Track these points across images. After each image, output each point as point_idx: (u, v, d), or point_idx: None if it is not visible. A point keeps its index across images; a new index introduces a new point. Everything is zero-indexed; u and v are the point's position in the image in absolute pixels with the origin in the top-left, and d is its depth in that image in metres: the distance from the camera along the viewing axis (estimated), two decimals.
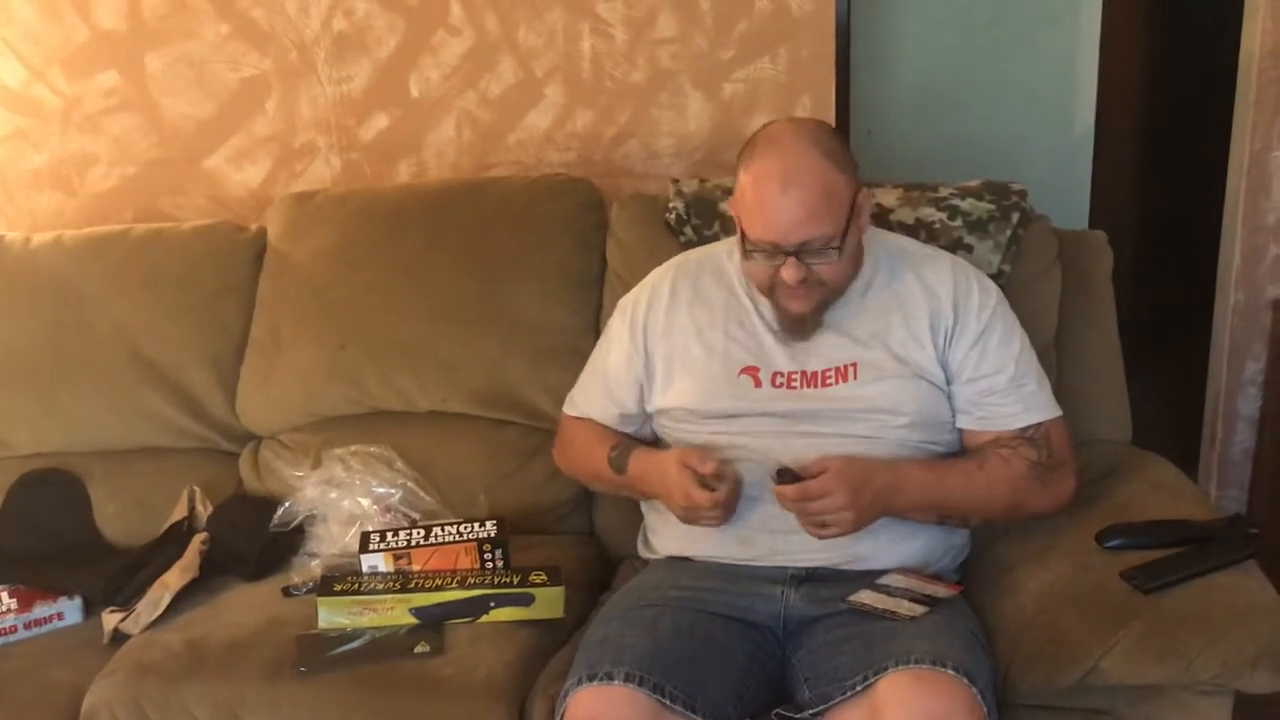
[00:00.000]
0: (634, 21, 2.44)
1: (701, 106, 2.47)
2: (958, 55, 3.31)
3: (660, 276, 1.87)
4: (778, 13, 2.40)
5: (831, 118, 2.47)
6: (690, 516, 1.66)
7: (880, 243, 1.80)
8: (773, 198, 1.60)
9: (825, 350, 1.72)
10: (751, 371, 1.73)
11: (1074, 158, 3.32)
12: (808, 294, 1.66)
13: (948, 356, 1.71)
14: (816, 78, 2.44)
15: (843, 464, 1.58)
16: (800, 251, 1.61)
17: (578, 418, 1.91)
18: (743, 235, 1.66)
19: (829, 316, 1.72)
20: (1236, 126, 2.50)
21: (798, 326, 1.71)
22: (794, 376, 1.72)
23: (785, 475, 1.59)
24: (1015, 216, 1.99)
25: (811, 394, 1.70)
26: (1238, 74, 2.48)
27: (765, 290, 1.70)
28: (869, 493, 1.58)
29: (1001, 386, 1.70)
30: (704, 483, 1.63)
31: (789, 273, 1.62)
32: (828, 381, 1.70)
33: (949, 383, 1.71)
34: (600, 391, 1.87)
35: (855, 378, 1.69)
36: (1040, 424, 1.70)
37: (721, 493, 1.62)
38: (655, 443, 1.85)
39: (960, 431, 1.74)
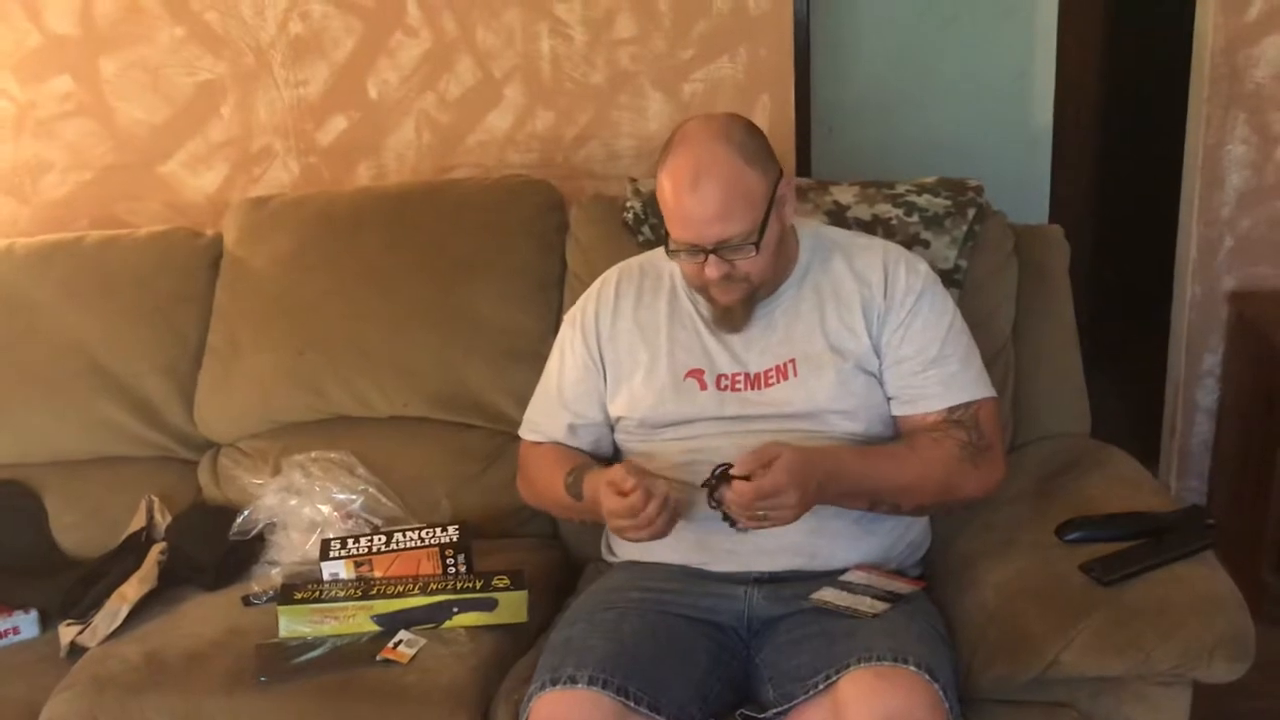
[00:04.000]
0: (592, 22, 2.43)
1: (662, 107, 2.47)
2: (916, 53, 3.33)
3: (604, 282, 1.86)
4: (736, 12, 2.40)
5: (791, 116, 2.48)
6: (620, 530, 1.62)
7: (814, 235, 1.80)
8: (685, 197, 1.60)
9: (764, 348, 1.72)
10: (697, 374, 1.73)
11: (1033, 154, 3.34)
12: (734, 288, 1.67)
13: (879, 342, 1.71)
14: (776, 77, 2.45)
15: (790, 458, 1.53)
16: (719, 249, 1.61)
17: (536, 444, 1.88)
18: (667, 234, 1.66)
19: (765, 311, 1.72)
20: (1190, 121, 2.52)
21: (728, 318, 1.71)
22: (738, 379, 1.72)
23: (722, 477, 1.54)
24: (971, 212, 2.00)
25: (755, 396, 1.70)
26: (1190, 70, 2.51)
27: (696, 287, 1.71)
28: (814, 483, 1.55)
29: (922, 367, 1.69)
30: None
31: (710, 270, 1.63)
32: (770, 382, 1.70)
33: (880, 368, 1.72)
34: (555, 403, 1.85)
35: (795, 374, 1.69)
36: (967, 404, 1.69)
37: (636, 500, 1.56)
38: (614, 458, 1.83)
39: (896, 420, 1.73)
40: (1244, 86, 2.40)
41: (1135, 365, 3.01)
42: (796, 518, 1.55)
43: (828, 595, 1.59)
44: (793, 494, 1.52)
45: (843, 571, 1.65)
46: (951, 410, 1.68)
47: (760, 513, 1.53)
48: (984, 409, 1.70)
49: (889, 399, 1.72)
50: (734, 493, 1.53)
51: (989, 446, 1.69)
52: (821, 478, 1.57)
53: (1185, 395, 2.61)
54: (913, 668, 1.42)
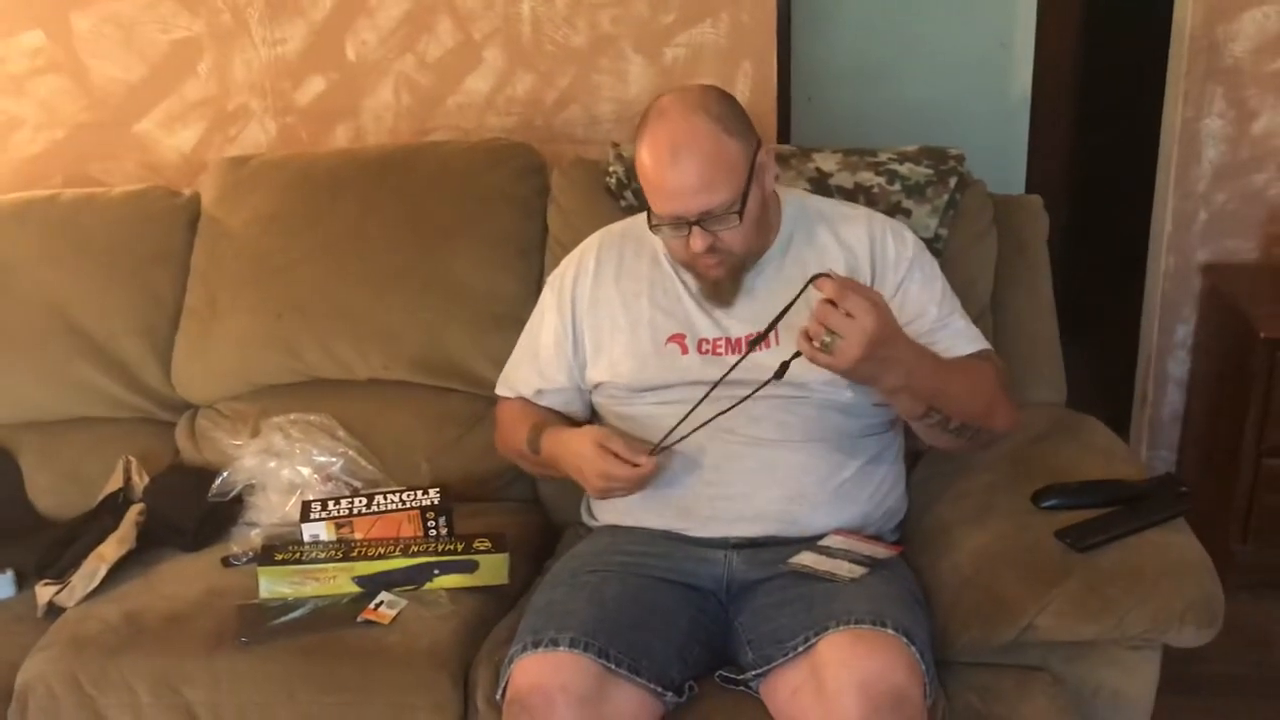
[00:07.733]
0: None
1: (643, 71, 2.45)
2: (898, 21, 3.32)
3: (585, 249, 1.87)
4: None
5: (773, 83, 2.47)
6: (605, 490, 1.66)
7: (798, 204, 1.80)
8: (665, 170, 1.60)
9: (748, 315, 1.72)
10: (678, 339, 1.74)
11: (1011, 123, 3.35)
12: (721, 261, 1.67)
13: None
14: (757, 43, 2.43)
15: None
16: (702, 220, 1.61)
17: (508, 398, 1.91)
18: (649, 210, 1.66)
19: (750, 280, 1.73)
20: (1169, 94, 2.54)
21: (718, 293, 1.72)
22: (719, 343, 1.73)
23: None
24: (953, 181, 2.01)
25: (735, 360, 1.70)
26: (1170, 42, 2.52)
27: (683, 262, 1.72)
28: (890, 331, 1.48)
29: (927, 328, 1.70)
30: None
31: (695, 242, 1.62)
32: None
33: None
34: (529, 364, 1.87)
35: (777, 342, 1.69)
36: (979, 352, 1.73)
37: (647, 468, 1.62)
38: (590, 421, 1.84)
39: None
40: (1222, 61, 2.41)
41: (1108, 335, 3.04)
42: (860, 349, 1.44)
43: (806, 559, 1.61)
44: (872, 319, 1.44)
45: (821, 537, 1.67)
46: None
47: (828, 336, 1.45)
48: (991, 355, 1.75)
49: None
50: (821, 284, 1.47)
51: (1007, 385, 1.72)
52: (904, 342, 1.53)
53: (1157, 366, 2.64)
54: (890, 631, 1.44)
